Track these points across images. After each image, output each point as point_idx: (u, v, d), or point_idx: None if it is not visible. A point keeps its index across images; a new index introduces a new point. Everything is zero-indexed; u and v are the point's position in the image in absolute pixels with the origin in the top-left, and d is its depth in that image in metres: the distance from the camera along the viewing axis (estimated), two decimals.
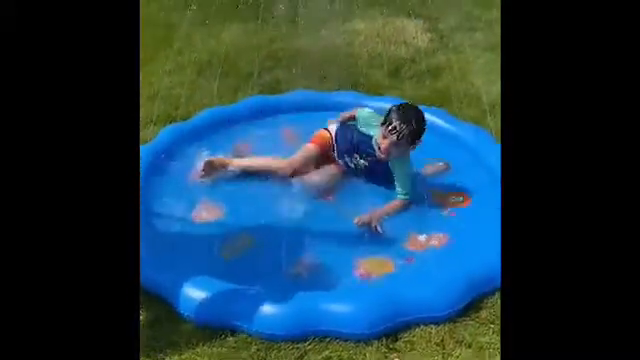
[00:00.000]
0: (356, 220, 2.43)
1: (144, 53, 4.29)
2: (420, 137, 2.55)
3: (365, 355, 1.90)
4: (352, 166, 2.75)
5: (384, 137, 2.52)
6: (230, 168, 2.77)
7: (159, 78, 3.74)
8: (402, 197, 2.59)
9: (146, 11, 4.90)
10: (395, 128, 2.48)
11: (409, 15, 4.67)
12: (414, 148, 2.58)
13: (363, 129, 2.73)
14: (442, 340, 1.95)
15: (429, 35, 4.42)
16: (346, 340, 1.95)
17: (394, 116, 2.50)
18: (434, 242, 2.43)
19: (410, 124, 2.48)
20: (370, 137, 2.66)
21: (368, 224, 2.44)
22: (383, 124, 2.53)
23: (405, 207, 2.58)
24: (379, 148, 2.56)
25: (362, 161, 2.71)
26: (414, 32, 4.42)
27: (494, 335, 1.94)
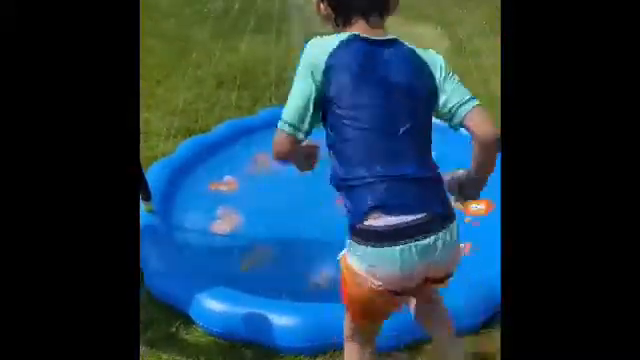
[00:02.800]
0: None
1: (163, 68, 4.39)
2: None
3: None
4: None
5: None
6: None
7: (178, 92, 3.78)
8: None
9: (165, 26, 4.98)
10: None
11: (426, 22, 4.64)
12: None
13: None
14: (465, 352, 1.90)
15: (447, 42, 4.39)
16: None
17: None
18: None
19: None
20: None
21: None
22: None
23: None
24: None
25: None
26: (432, 39, 4.39)
27: None
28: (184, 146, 3.08)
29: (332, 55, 1.33)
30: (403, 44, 1.42)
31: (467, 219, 2.57)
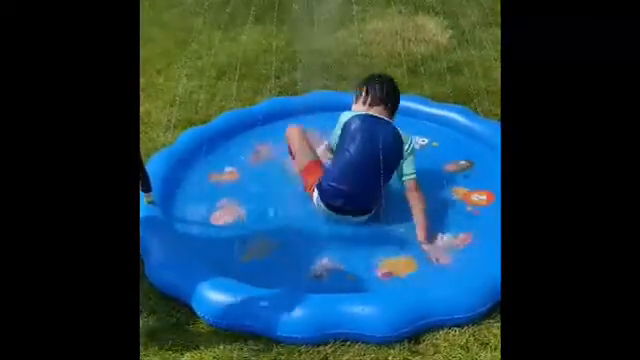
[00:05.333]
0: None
1: (164, 57, 4.36)
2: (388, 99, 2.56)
3: (387, 358, 1.87)
4: None
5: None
6: None
7: (178, 82, 3.77)
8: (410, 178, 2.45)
9: (166, 16, 4.96)
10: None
11: (428, 12, 4.61)
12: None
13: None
14: (466, 342, 1.91)
15: (449, 32, 4.36)
16: (368, 343, 1.92)
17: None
18: (457, 242, 2.38)
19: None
20: None
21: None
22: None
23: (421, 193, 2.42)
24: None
25: None
26: (434, 29, 4.36)
27: None
28: (184, 137, 3.07)
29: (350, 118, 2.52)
30: (390, 125, 2.52)
31: (468, 209, 2.57)
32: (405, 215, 2.49)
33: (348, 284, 2.19)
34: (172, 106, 3.48)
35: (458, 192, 2.67)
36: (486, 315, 1.98)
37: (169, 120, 3.32)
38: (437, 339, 1.93)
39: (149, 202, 2.51)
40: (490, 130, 2.99)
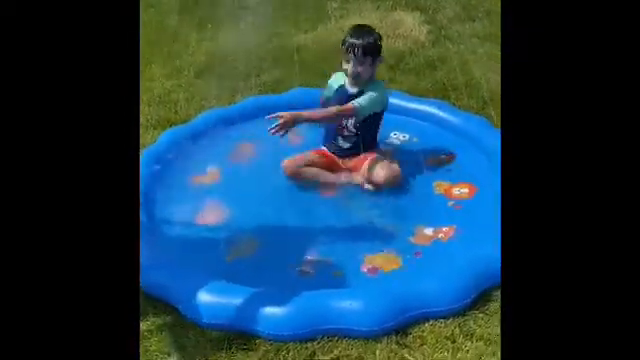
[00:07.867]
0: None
1: (142, 58, 4.27)
2: (377, 49, 2.66)
3: (375, 352, 1.89)
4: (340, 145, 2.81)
5: (347, 61, 2.65)
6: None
7: (157, 82, 3.73)
8: (355, 104, 2.61)
9: (144, 16, 4.90)
10: (350, 45, 2.61)
11: (406, 8, 4.63)
12: (377, 62, 2.70)
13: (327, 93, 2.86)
14: (452, 334, 1.93)
15: (427, 27, 4.39)
16: (355, 338, 1.93)
17: (347, 37, 2.65)
18: (441, 235, 2.41)
19: (362, 37, 2.61)
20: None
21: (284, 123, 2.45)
22: (342, 47, 2.65)
23: (340, 115, 2.64)
24: (348, 77, 2.70)
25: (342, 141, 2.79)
26: (412, 25, 4.39)
27: None
28: (165, 137, 3.04)
29: None
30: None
31: (450, 202, 2.59)
32: (393, 211, 2.51)
33: (334, 280, 2.20)
34: (150, 106, 3.45)
35: (440, 186, 2.70)
36: (471, 306, 2.01)
37: (148, 120, 3.29)
38: (423, 331, 1.95)
39: None
40: (469, 123, 3.02)
